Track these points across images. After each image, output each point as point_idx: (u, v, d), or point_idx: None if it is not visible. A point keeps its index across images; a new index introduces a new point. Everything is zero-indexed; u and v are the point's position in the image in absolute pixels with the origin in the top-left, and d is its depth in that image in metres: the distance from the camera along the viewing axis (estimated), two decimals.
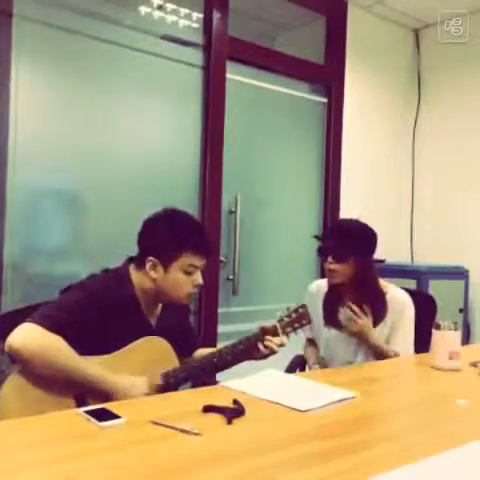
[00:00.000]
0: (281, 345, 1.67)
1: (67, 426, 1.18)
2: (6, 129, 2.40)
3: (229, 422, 1.20)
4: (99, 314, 1.53)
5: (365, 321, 1.99)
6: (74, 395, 1.50)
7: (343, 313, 2.08)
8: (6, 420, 1.27)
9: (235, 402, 1.30)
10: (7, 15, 2.38)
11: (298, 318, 1.70)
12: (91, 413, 1.21)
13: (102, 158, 2.70)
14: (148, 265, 1.61)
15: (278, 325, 1.67)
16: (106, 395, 1.49)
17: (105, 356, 1.55)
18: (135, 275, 1.65)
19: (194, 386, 1.73)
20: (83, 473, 0.94)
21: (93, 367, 1.50)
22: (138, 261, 1.65)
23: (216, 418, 1.23)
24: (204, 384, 1.68)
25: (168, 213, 1.67)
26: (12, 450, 1.04)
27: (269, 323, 1.69)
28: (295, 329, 1.70)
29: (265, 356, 1.68)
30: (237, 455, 1.05)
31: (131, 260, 1.69)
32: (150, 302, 1.68)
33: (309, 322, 1.72)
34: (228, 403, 1.29)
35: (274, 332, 1.67)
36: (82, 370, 1.47)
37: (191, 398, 1.48)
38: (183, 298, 1.66)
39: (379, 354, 2.00)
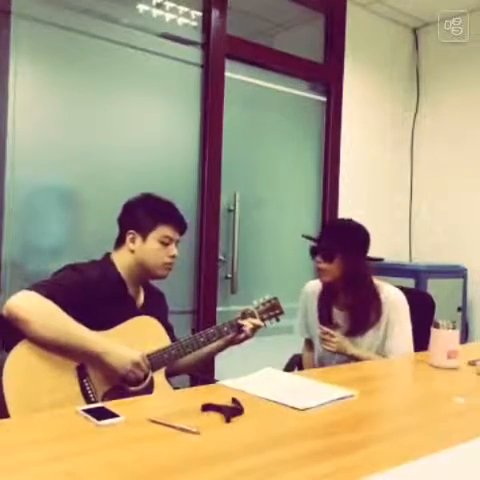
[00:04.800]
0: (258, 327, 1.85)
1: (66, 425, 1.18)
2: (4, 127, 2.40)
3: (228, 421, 1.20)
4: (90, 290, 1.62)
5: (338, 338, 1.99)
6: (76, 366, 1.56)
7: (337, 314, 2.07)
8: (5, 419, 1.27)
9: (234, 401, 1.30)
10: (5, 13, 2.38)
11: (271, 308, 1.91)
12: (90, 412, 1.21)
13: (100, 156, 2.70)
14: (128, 238, 1.76)
15: (255, 311, 1.88)
16: (105, 367, 1.56)
17: (98, 332, 1.59)
18: (116, 256, 1.78)
19: (193, 384, 1.74)
20: (82, 471, 0.94)
21: (85, 328, 1.56)
22: (119, 240, 1.80)
23: (215, 417, 1.23)
24: (203, 382, 1.70)
25: (143, 195, 1.83)
26: (12, 448, 1.04)
27: (249, 309, 1.88)
28: (270, 317, 1.91)
29: (245, 338, 1.84)
30: (236, 454, 1.05)
31: (109, 253, 1.82)
32: (133, 282, 1.78)
33: (281, 312, 1.91)
34: (227, 402, 1.30)
35: (252, 317, 1.86)
36: (74, 329, 1.54)
37: (190, 397, 1.48)
38: (160, 267, 1.77)
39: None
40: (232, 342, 1.87)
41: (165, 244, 1.75)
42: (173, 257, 1.77)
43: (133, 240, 1.75)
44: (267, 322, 1.90)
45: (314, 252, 2.04)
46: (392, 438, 1.18)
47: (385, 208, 3.95)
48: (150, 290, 1.89)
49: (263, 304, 1.90)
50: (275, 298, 1.92)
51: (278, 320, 1.91)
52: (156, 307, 1.87)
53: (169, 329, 1.92)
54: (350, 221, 2.07)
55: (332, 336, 2.00)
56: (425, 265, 3.54)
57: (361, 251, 2.04)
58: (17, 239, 2.46)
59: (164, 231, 1.75)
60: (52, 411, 1.30)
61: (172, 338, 1.86)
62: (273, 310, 1.91)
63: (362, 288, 2.02)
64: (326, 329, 2.01)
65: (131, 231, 1.75)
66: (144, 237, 1.74)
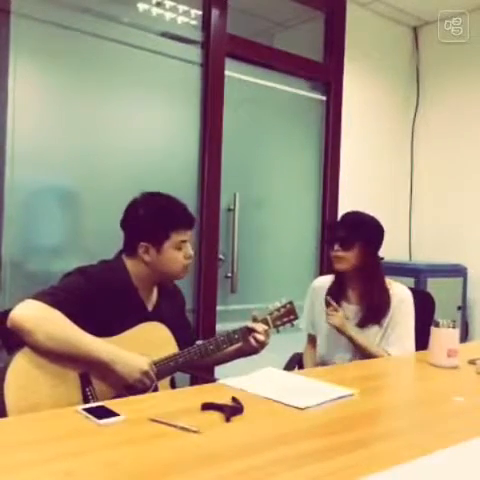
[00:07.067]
0: (267, 334, 1.78)
1: (66, 424, 1.18)
2: (4, 127, 2.39)
3: (228, 420, 1.20)
4: (97, 296, 1.58)
5: (342, 314, 2.04)
6: (79, 374, 1.53)
7: (347, 308, 2.10)
8: (4, 418, 1.27)
9: (234, 400, 1.30)
10: (5, 12, 2.37)
11: (287, 313, 1.84)
12: (90, 411, 1.21)
13: (100, 156, 2.70)
14: (141, 250, 1.68)
15: (269, 318, 1.82)
16: (111, 375, 1.53)
17: (105, 339, 1.56)
18: (129, 263, 1.72)
19: (193, 383, 1.74)
20: (82, 470, 0.94)
21: (92, 337, 1.53)
22: (129, 249, 1.72)
23: (215, 416, 1.23)
24: (203, 381, 1.69)
25: (144, 198, 1.74)
26: (12, 448, 1.04)
27: (261, 315, 1.82)
28: (284, 323, 1.84)
29: (256, 347, 1.76)
30: (236, 453, 1.05)
31: (122, 252, 1.76)
32: (146, 287, 1.74)
33: (296, 317, 1.86)
34: (227, 401, 1.30)
35: (265, 324, 1.80)
36: (81, 339, 1.51)
37: (190, 396, 1.48)
38: (179, 272, 1.74)
39: (362, 349, 2.02)
40: (242, 352, 1.81)
41: (180, 248, 1.70)
42: (190, 257, 1.73)
43: (147, 252, 1.68)
44: (280, 328, 1.84)
45: (332, 241, 2.08)
46: (392, 437, 1.18)
47: (385, 206, 3.94)
48: (164, 287, 1.83)
49: (278, 310, 1.83)
50: (291, 302, 1.86)
51: (293, 325, 1.87)
52: (170, 307, 1.81)
53: (186, 324, 1.91)
54: (367, 214, 2.16)
55: (336, 310, 2.04)
56: (425, 264, 3.54)
57: (377, 244, 2.10)
58: (17, 239, 2.45)
59: (178, 237, 1.69)
60: (52, 411, 1.30)
61: (190, 333, 1.84)
62: (288, 316, 1.84)
63: (375, 280, 2.07)
64: (333, 303, 2.05)
65: (143, 244, 1.67)
66: (159, 248, 1.68)
